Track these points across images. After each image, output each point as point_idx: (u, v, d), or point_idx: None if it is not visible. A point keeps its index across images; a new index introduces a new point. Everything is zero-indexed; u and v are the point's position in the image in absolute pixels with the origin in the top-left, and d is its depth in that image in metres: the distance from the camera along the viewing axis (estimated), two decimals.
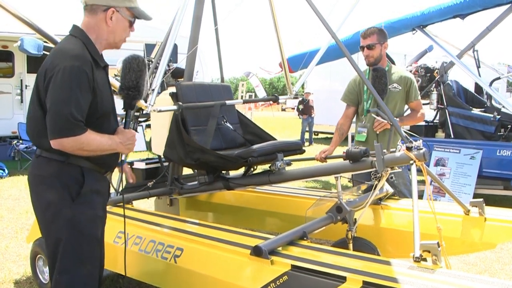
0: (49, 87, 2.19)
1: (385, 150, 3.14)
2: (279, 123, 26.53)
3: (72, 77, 2.17)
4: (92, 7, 2.35)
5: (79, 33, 2.36)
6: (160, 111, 3.55)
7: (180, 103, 3.66)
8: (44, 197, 2.32)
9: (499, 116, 6.58)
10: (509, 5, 6.25)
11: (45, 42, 5.38)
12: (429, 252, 2.38)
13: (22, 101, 11.87)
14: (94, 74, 2.27)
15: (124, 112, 2.52)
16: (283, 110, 46.19)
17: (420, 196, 3.45)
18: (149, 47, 5.47)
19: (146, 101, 3.44)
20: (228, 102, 4.18)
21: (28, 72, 11.80)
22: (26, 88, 11.82)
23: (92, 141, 2.24)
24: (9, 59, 11.84)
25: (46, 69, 2.24)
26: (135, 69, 2.33)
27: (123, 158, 2.66)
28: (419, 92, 4.24)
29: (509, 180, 6.19)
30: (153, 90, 3.50)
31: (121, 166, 2.65)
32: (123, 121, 2.53)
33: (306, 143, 16.24)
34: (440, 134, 7.40)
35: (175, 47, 4.58)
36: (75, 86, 2.17)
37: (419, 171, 2.92)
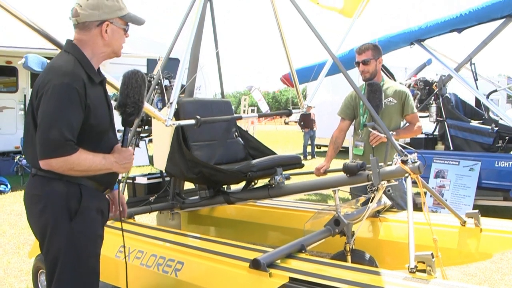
0: (40, 105, 2.15)
1: (382, 164, 3.21)
2: (282, 137, 26.59)
3: (62, 95, 2.12)
4: (85, 24, 2.29)
5: (72, 49, 2.31)
6: (179, 124, 3.62)
7: (198, 116, 3.69)
8: (41, 216, 2.24)
9: (497, 128, 6.67)
10: (503, 20, 6.37)
11: (49, 59, 5.49)
12: (423, 263, 2.43)
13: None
14: (87, 91, 2.20)
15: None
16: (286, 123, 46.30)
17: (420, 208, 3.51)
18: (151, 62, 5.51)
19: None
20: (243, 115, 4.27)
21: (31, 87, 11.90)
22: None
23: (83, 161, 2.16)
24: (13, 74, 11.91)
25: (38, 86, 2.20)
26: (133, 85, 2.26)
27: (122, 176, 2.61)
28: (414, 105, 4.31)
29: (508, 191, 6.24)
30: (171, 103, 3.57)
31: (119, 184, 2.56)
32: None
33: (309, 157, 16.28)
34: (440, 147, 7.47)
35: (177, 61, 4.62)
36: (65, 104, 2.12)
37: (416, 183, 2.99)
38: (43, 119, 2.12)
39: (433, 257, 2.41)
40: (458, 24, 6.67)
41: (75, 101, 2.15)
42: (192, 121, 3.67)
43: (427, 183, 6.52)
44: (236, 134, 4.21)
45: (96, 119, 2.26)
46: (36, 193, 2.28)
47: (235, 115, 4.17)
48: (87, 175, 2.24)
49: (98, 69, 2.43)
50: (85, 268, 2.31)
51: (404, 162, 2.97)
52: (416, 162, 2.96)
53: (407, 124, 4.38)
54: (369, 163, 3.09)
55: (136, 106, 2.27)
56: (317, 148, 18.04)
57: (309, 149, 16.73)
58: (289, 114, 4.82)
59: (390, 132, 3.35)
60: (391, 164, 3.20)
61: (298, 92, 4.77)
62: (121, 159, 2.32)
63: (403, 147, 3.15)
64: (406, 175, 2.96)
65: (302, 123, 16.77)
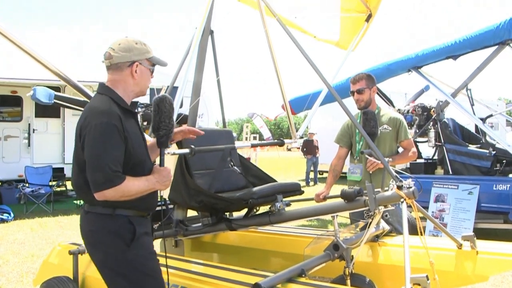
0: (84, 145, 2.41)
1: (379, 189, 3.30)
2: (284, 163, 26.60)
3: (104, 132, 2.38)
4: (118, 65, 2.58)
5: (105, 90, 2.59)
6: (174, 153, 3.74)
7: (192, 146, 3.80)
8: (101, 250, 2.51)
9: (494, 152, 6.77)
10: (496, 47, 6.56)
11: (54, 89, 5.67)
12: (419, 285, 2.50)
13: (29, 145, 12.00)
14: (124, 125, 2.46)
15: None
16: (289, 150, 46.29)
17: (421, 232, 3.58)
18: (154, 92, 5.61)
19: None
20: (237, 145, 4.37)
21: (36, 116, 12.03)
22: (33, 132, 12.01)
23: (131, 187, 2.42)
24: (18, 104, 12.07)
25: (80, 127, 2.46)
26: (163, 110, 2.54)
27: (161, 194, 2.86)
28: (409, 132, 4.44)
29: (507, 214, 6.29)
30: None
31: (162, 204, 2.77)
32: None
33: (311, 183, 16.30)
34: (439, 171, 7.55)
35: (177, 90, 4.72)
36: (107, 140, 2.38)
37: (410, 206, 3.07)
38: (91, 157, 2.39)
39: (428, 279, 2.48)
40: (453, 52, 6.89)
41: (115, 136, 2.41)
42: (186, 150, 3.79)
43: (427, 207, 6.62)
44: (232, 163, 4.30)
45: (134, 148, 2.52)
46: (91, 229, 2.56)
47: (228, 145, 4.28)
48: (135, 197, 2.47)
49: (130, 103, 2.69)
50: (154, 284, 2.58)
51: (400, 187, 3.06)
52: (411, 187, 3.05)
53: (403, 150, 4.49)
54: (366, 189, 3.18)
55: (167, 128, 2.58)
56: (320, 174, 18.06)
57: (311, 175, 16.76)
58: (281, 144, 4.93)
59: (386, 159, 3.45)
60: (388, 190, 3.30)
61: (290, 123, 4.88)
62: (161, 178, 2.57)
63: (399, 173, 3.24)
64: (402, 200, 3.05)
65: (304, 149, 16.87)
